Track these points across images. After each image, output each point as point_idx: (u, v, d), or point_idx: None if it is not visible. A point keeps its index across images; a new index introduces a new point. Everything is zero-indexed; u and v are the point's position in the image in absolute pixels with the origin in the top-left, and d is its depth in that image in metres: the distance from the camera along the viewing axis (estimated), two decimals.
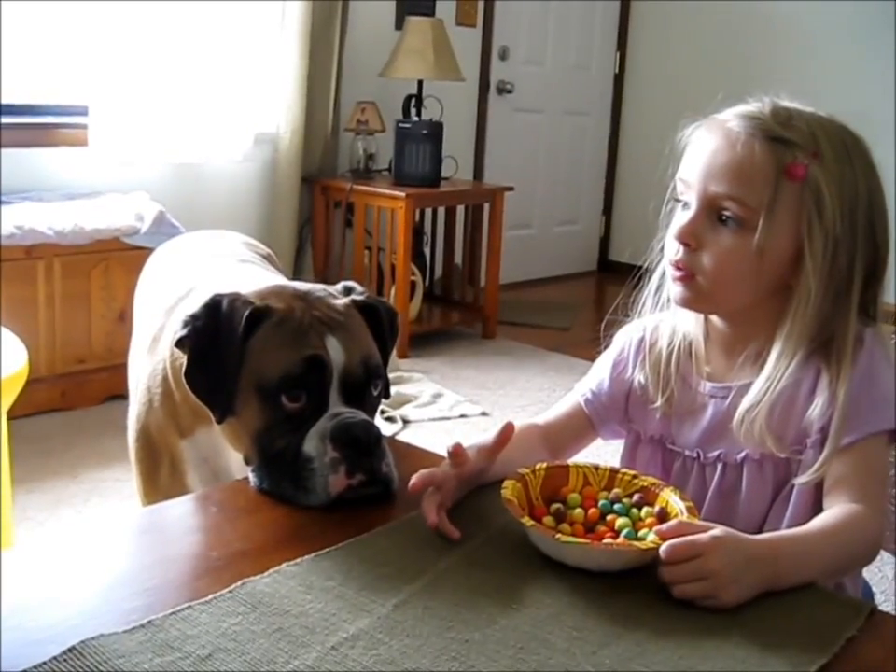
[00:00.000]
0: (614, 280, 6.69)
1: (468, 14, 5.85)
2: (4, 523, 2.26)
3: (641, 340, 1.47)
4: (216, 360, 1.32)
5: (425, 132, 4.85)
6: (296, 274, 4.86)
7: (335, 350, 1.31)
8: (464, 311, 5.42)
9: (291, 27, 4.71)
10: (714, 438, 1.37)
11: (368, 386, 1.35)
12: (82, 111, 4.11)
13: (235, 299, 1.34)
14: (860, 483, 1.24)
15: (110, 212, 3.82)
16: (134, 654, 0.90)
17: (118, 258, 3.76)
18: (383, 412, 3.78)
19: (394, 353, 1.73)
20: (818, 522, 1.21)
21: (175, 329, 1.37)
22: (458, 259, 5.50)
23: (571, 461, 1.31)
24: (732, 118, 1.31)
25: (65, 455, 3.35)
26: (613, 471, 1.27)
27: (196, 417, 1.46)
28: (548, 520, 1.17)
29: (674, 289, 1.35)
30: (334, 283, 1.50)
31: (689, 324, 1.42)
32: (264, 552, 1.12)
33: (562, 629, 0.99)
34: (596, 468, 1.27)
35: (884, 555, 2.57)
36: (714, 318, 1.40)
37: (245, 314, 1.31)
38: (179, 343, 1.34)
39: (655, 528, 1.11)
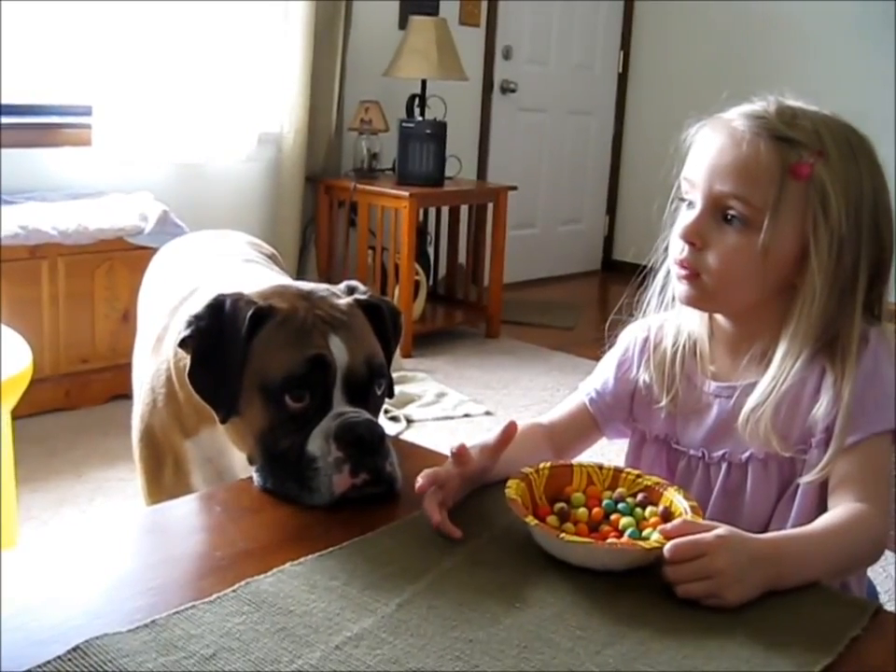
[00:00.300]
0: (618, 279, 6.69)
1: (471, 13, 5.85)
2: (8, 522, 2.27)
3: (646, 339, 1.47)
4: (219, 360, 1.32)
5: (428, 131, 4.85)
6: (300, 274, 4.86)
7: (338, 349, 1.31)
8: (467, 310, 5.42)
9: (295, 27, 4.71)
10: (719, 437, 1.37)
11: (371, 386, 1.35)
12: (86, 111, 4.11)
13: (238, 299, 1.34)
14: (864, 483, 1.24)
15: (114, 212, 3.82)
16: (138, 654, 0.90)
17: (121, 257, 3.76)
18: (386, 411, 3.78)
19: (397, 352, 1.73)
20: (822, 521, 1.21)
21: (179, 329, 1.37)
22: (462, 258, 5.50)
23: (575, 461, 1.31)
24: (737, 117, 1.31)
25: (69, 454, 3.35)
26: (617, 471, 1.27)
27: (200, 417, 1.46)
28: (552, 519, 1.17)
29: (679, 288, 1.35)
30: (338, 282, 1.50)
31: (694, 323, 1.42)
32: (268, 551, 1.12)
33: (566, 628, 0.99)
34: (600, 467, 1.27)
35: (888, 555, 2.56)
36: (719, 317, 1.40)
37: (249, 313, 1.31)
38: (183, 343, 1.34)
39: (659, 528, 1.11)
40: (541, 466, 1.25)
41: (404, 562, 1.10)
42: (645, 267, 1.46)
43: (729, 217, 1.28)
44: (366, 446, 1.25)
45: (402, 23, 5.25)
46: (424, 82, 5.08)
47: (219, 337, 1.32)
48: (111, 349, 3.77)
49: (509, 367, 4.71)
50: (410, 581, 1.06)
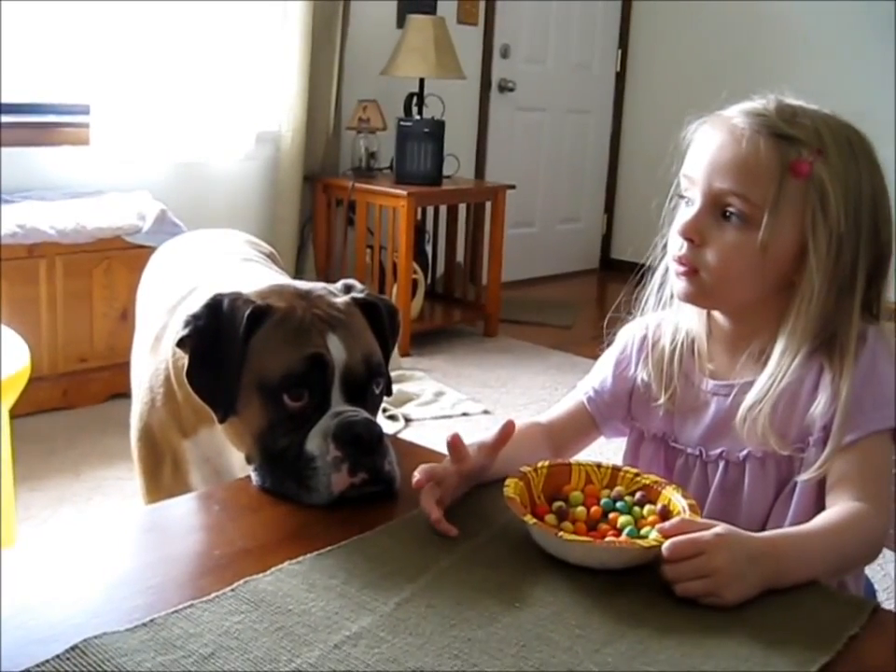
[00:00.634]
0: (616, 278, 6.69)
1: (469, 12, 5.85)
2: (6, 521, 2.27)
3: (644, 337, 1.47)
4: (217, 360, 1.31)
5: (426, 130, 4.85)
6: (298, 273, 4.86)
7: (336, 348, 1.31)
8: (466, 309, 5.42)
9: (293, 25, 4.70)
10: (716, 435, 1.37)
11: (369, 384, 1.35)
12: (84, 110, 4.11)
13: (236, 298, 1.34)
14: (862, 482, 1.24)
15: (112, 211, 3.82)
16: (137, 653, 0.90)
17: (120, 256, 3.76)
18: (385, 410, 3.78)
19: (396, 351, 1.73)
20: (820, 520, 1.21)
21: (177, 329, 1.37)
22: (460, 257, 5.50)
23: (573, 459, 1.31)
24: (737, 114, 1.31)
25: (68, 453, 3.35)
26: (615, 469, 1.27)
27: (198, 417, 1.46)
28: (550, 518, 1.17)
29: (677, 285, 1.35)
30: (336, 281, 1.50)
31: (692, 321, 1.42)
32: (266, 550, 1.12)
33: (564, 627, 0.99)
34: (599, 466, 1.27)
35: (886, 553, 2.56)
36: (717, 315, 1.40)
37: (247, 312, 1.31)
38: (181, 343, 1.34)
39: (658, 526, 1.11)
40: (540, 464, 1.25)
41: (403, 561, 1.10)
42: (643, 265, 1.47)
43: (728, 214, 1.28)
44: (364, 445, 1.25)
45: (400, 22, 5.24)
46: (422, 81, 5.08)
47: (217, 336, 1.32)
48: (109, 348, 3.77)
49: (507, 366, 4.71)
50: (408, 580, 1.06)
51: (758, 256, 1.27)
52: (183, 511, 1.29)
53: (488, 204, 5.27)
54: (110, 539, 1.18)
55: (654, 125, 6.52)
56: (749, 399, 1.30)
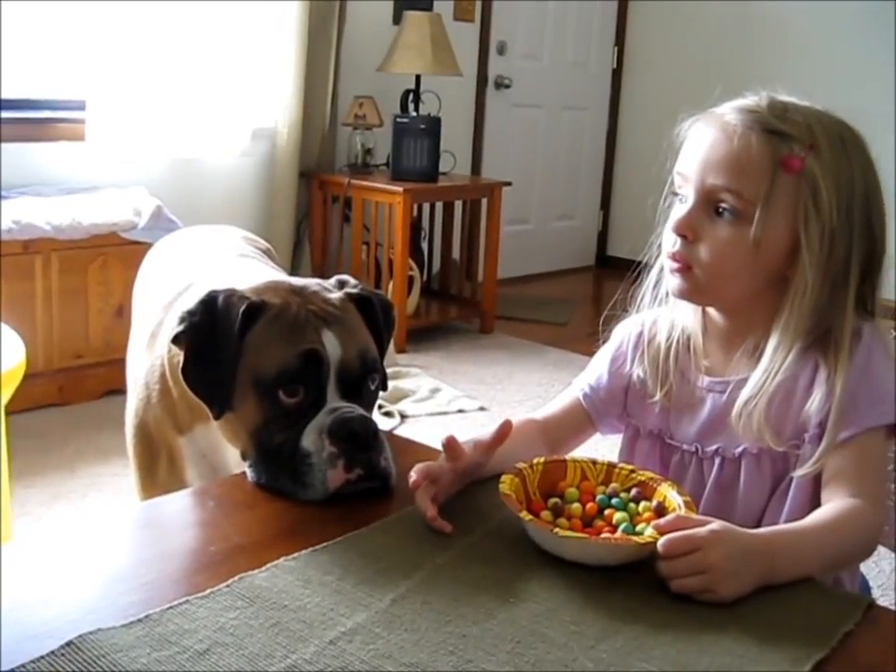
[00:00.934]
0: (612, 275, 6.70)
1: (465, 9, 5.84)
2: (2, 517, 2.26)
3: (640, 334, 1.47)
4: (212, 356, 1.31)
5: (422, 126, 4.84)
6: (294, 269, 4.86)
7: (331, 344, 1.31)
8: (462, 306, 5.42)
9: (289, 22, 4.70)
10: (712, 432, 1.37)
11: (365, 380, 1.35)
12: (80, 106, 4.10)
13: (231, 294, 1.34)
14: (858, 478, 1.25)
15: (108, 207, 3.81)
16: (132, 649, 0.90)
17: (115, 252, 3.76)
18: (380, 406, 3.78)
19: (391, 347, 1.73)
20: (815, 516, 1.21)
21: (173, 325, 1.37)
22: (456, 253, 5.50)
23: (569, 456, 1.31)
24: (729, 111, 1.31)
25: (63, 449, 3.35)
26: (611, 466, 1.27)
27: (193, 414, 1.46)
28: (545, 514, 1.17)
29: (671, 281, 1.35)
30: (331, 278, 1.49)
31: (687, 318, 1.42)
32: (262, 546, 1.12)
33: (560, 623, 0.99)
34: (594, 462, 1.27)
35: (881, 550, 2.57)
36: (712, 312, 1.40)
37: (242, 309, 1.31)
38: (176, 340, 1.34)
39: (653, 523, 1.11)
40: (535, 461, 1.25)
41: (398, 557, 1.10)
42: (640, 263, 1.47)
43: (721, 210, 1.29)
44: (360, 441, 1.25)
45: (397, 19, 5.24)
46: (418, 77, 5.08)
47: (212, 333, 1.32)
48: (105, 344, 3.77)
49: (503, 362, 4.71)
50: (404, 576, 1.06)
51: (751, 251, 1.27)
52: (178, 507, 1.28)
53: (484, 201, 5.27)
54: (105, 535, 1.18)
55: (650, 122, 6.51)
56: (744, 394, 1.30)
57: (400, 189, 4.66)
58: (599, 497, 1.21)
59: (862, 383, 1.27)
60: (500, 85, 6.20)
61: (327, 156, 5.08)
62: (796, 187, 1.26)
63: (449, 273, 5.52)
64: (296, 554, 1.09)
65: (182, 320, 1.34)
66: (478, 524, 1.19)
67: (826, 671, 0.94)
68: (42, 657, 0.88)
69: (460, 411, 3.99)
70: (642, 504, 1.19)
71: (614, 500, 1.20)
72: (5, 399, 2.23)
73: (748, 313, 1.35)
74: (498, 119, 6.24)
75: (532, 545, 1.13)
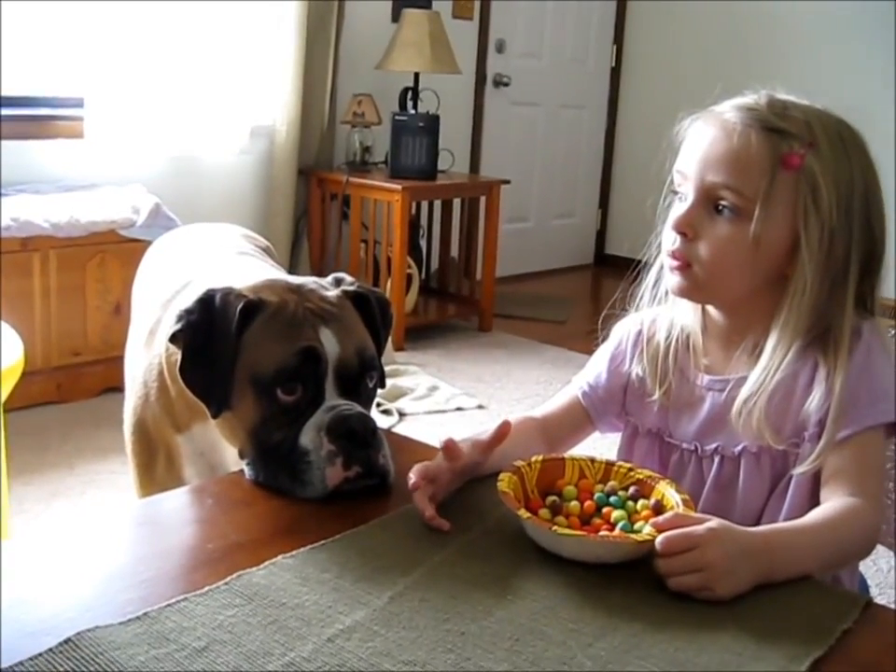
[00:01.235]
0: (610, 273, 6.70)
1: (464, 7, 5.84)
2: (1, 515, 2.26)
3: (639, 332, 1.47)
4: (210, 355, 1.31)
5: (421, 124, 4.84)
6: (292, 267, 4.86)
7: (329, 342, 1.31)
8: (460, 304, 5.42)
9: (288, 19, 4.70)
10: (711, 431, 1.37)
11: (363, 378, 1.35)
12: (78, 103, 4.10)
13: (228, 293, 1.34)
14: (857, 477, 1.25)
15: (106, 204, 3.81)
16: (130, 646, 0.90)
17: (114, 250, 3.76)
18: (379, 404, 3.78)
19: (389, 345, 1.73)
20: (814, 515, 1.21)
21: (171, 324, 1.36)
22: (454, 251, 5.50)
23: (567, 454, 1.31)
24: (728, 109, 1.31)
25: (61, 447, 3.34)
26: (609, 464, 1.27)
27: (192, 412, 1.46)
28: (544, 512, 1.17)
29: (671, 279, 1.35)
30: (329, 275, 1.49)
31: (687, 317, 1.42)
32: (260, 544, 1.12)
33: (558, 621, 0.99)
34: (592, 460, 1.27)
35: (879, 548, 2.56)
36: (712, 311, 1.40)
37: (239, 307, 1.30)
38: (173, 338, 1.34)
39: (651, 521, 1.11)
40: (533, 459, 1.25)
41: (396, 555, 1.10)
42: (639, 262, 1.47)
43: (720, 207, 1.29)
44: (358, 439, 1.25)
45: (395, 16, 5.24)
46: (417, 75, 5.07)
47: (210, 331, 1.31)
48: (103, 342, 3.77)
49: (501, 360, 4.71)
50: (402, 574, 1.06)
51: (750, 249, 1.27)
52: (176, 504, 1.28)
53: (483, 199, 5.27)
54: (104, 532, 1.18)
55: (649, 120, 6.51)
56: (744, 392, 1.30)
57: (399, 186, 4.66)
58: (597, 495, 1.21)
59: (862, 381, 1.27)
60: (499, 83, 6.20)
61: (325, 154, 5.08)
62: (796, 184, 1.26)
63: (447, 271, 5.52)
64: (294, 552, 1.09)
65: (179, 319, 1.33)
66: (476, 522, 1.19)
67: (824, 670, 0.94)
68: (40, 654, 0.88)
69: (458, 409, 3.99)
70: (640, 502, 1.19)
71: (612, 498, 1.20)
72: (3, 397, 2.23)
73: (747, 311, 1.35)
74: (497, 118, 6.24)
75: (530, 543, 1.13)
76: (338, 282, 1.46)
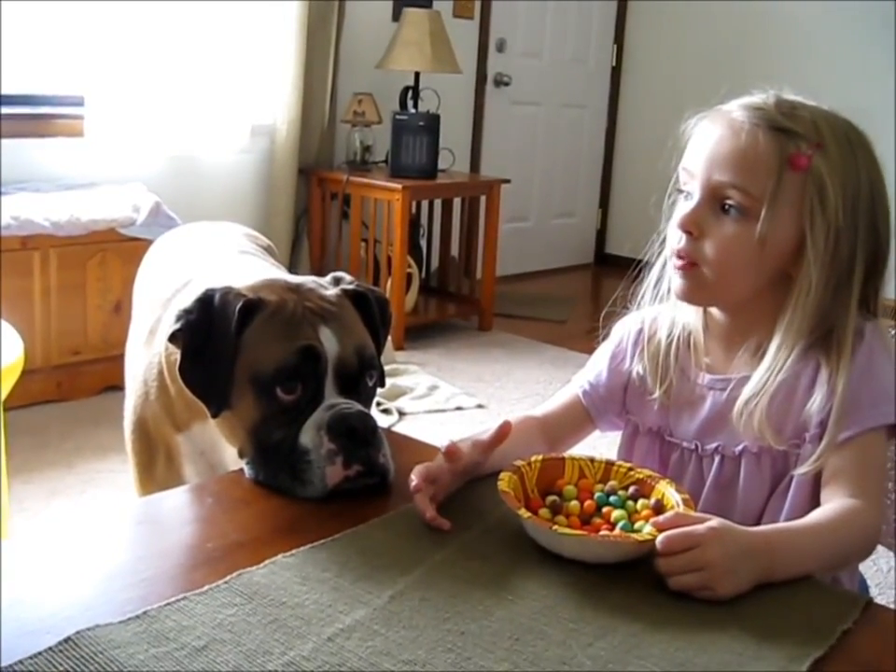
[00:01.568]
0: (611, 273, 6.70)
1: (465, 6, 5.84)
2: (0, 514, 2.26)
3: (640, 331, 1.47)
4: (209, 354, 1.31)
5: (421, 124, 4.84)
6: (292, 266, 4.86)
7: (329, 341, 1.31)
8: (460, 303, 5.42)
9: (289, 18, 4.70)
10: (712, 430, 1.37)
11: (363, 377, 1.35)
12: (79, 101, 4.10)
13: (227, 292, 1.34)
14: (858, 478, 1.24)
15: (106, 203, 3.81)
16: (130, 645, 0.90)
17: (114, 249, 3.76)
18: (379, 404, 3.78)
19: (389, 344, 1.73)
20: (815, 516, 1.21)
21: (169, 324, 1.36)
22: (455, 251, 5.50)
23: (567, 453, 1.31)
24: (736, 108, 1.31)
25: (61, 446, 3.34)
26: (609, 464, 1.27)
27: (191, 412, 1.46)
28: (544, 512, 1.17)
29: (675, 280, 1.34)
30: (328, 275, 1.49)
31: (689, 315, 1.42)
32: (260, 543, 1.12)
33: (558, 621, 0.99)
34: (592, 460, 1.27)
35: (879, 548, 2.56)
36: (714, 310, 1.40)
37: (238, 306, 1.30)
38: (172, 338, 1.34)
39: (652, 520, 1.11)
40: (533, 459, 1.25)
41: (396, 554, 1.10)
42: (641, 261, 1.46)
43: (727, 206, 1.28)
44: (358, 437, 1.25)
45: (396, 16, 5.24)
46: (417, 75, 5.07)
47: (209, 331, 1.31)
48: (103, 340, 3.77)
49: (501, 360, 4.71)
50: (402, 573, 1.06)
51: (756, 249, 1.27)
52: (176, 503, 1.28)
53: (483, 198, 5.27)
54: (103, 531, 1.18)
55: (650, 120, 6.52)
56: (746, 392, 1.30)
57: (399, 186, 4.66)
58: (597, 494, 1.21)
59: (864, 383, 1.27)
60: (500, 82, 6.20)
61: (326, 153, 5.08)
62: (802, 185, 1.26)
63: (448, 271, 5.52)
64: (294, 551, 1.09)
65: (178, 318, 1.33)
66: (476, 521, 1.19)
67: (824, 670, 0.94)
68: (40, 653, 0.88)
69: (458, 408, 3.99)
70: (640, 502, 1.19)
71: (612, 498, 1.20)
72: (3, 395, 2.22)
73: (750, 311, 1.35)
74: (498, 117, 6.24)
75: (530, 542, 1.13)
76: (337, 281, 1.46)
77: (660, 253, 1.41)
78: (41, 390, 3.63)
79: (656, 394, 1.41)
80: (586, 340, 1.81)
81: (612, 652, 0.94)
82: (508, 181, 5.26)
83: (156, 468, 1.59)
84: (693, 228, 1.30)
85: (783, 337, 1.29)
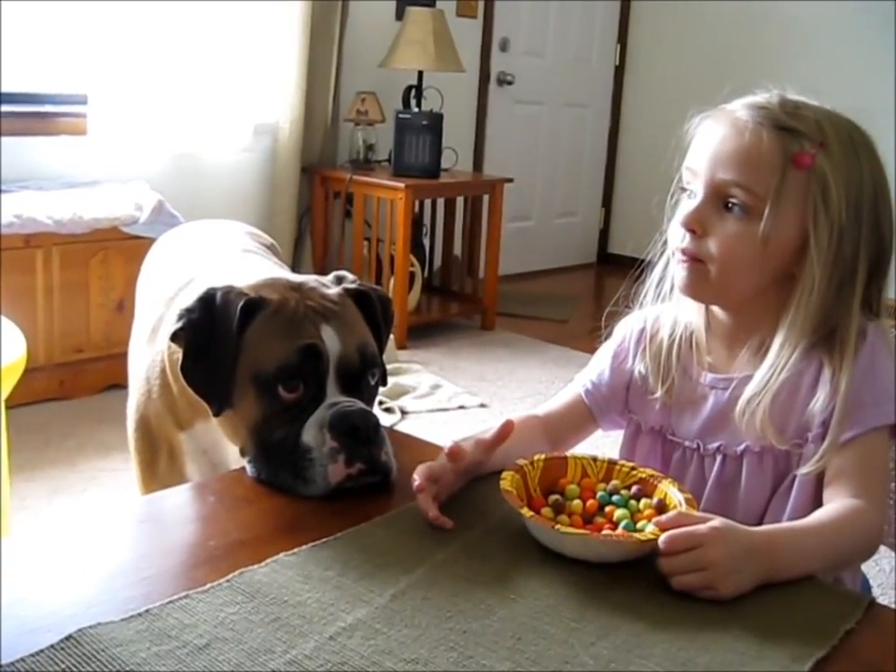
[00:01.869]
0: (613, 272, 6.69)
1: (468, 5, 5.84)
2: (2, 512, 2.26)
3: (642, 330, 1.47)
4: (211, 353, 1.31)
5: (425, 123, 4.84)
6: (295, 265, 4.86)
7: (331, 339, 1.31)
8: (463, 302, 5.41)
9: (291, 17, 4.70)
10: (714, 429, 1.37)
11: (364, 375, 1.35)
12: (82, 100, 4.10)
13: (229, 291, 1.34)
14: (860, 478, 1.24)
15: (109, 201, 3.81)
16: (132, 643, 0.90)
17: (116, 247, 3.76)
18: (381, 402, 3.78)
19: (392, 343, 1.73)
20: (817, 516, 1.21)
21: (171, 322, 1.36)
22: (457, 250, 5.50)
23: (569, 453, 1.31)
24: (740, 107, 1.31)
25: (64, 444, 3.35)
26: (611, 463, 1.27)
27: (194, 411, 1.46)
28: (546, 511, 1.17)
29: (678, 274, 1.34)
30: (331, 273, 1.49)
31: (691, 314, 1.42)
32: (262, 541, 1.12)
33: (560, 620, 0.99)
34: (594, 459, 1.27)
35: (881, 548, 2.56)
36: (716, 309, 1.40)
37: (240, 305, 1.30)
38: (174, 337, 1.34)
39: (654, 519, 1.11)
40: (536, 458, 1.25)
41: (399, 553, 1.10)
42: (643, 261, 1.46)
43: (730, 205, 1.28)
44: (361, 435, 1.25)
45: (399, 14, 5.24)
46: (420, 73, 5.07)
47: (211, 330, 1.31)
48: (106, 339, 3.77)
49: (504, 359, 4.71)
50: (404, 572, 1.06)
51: (759, 247, 1.27)
52: (178, 501, 1.28)
53: (486, 198, 5.26)
54: (105, 529, 1.18)
55: (653, 119, 6.52)
56: (748, 391, 1.30)
57: (402, 185, 4.66)
58: (600, 493, 1.21)
59: (867, 383, 1.27)
60: (503, 81, 6.20)
61: (328, 152, 5.08)
62: (806, 183, 1.26)
63: (450, 270, 5.52)
64: (296, 550, 1.09)
65: (180, 317, 1.33)
66: (479, 520, 1.19)
67: (826, 670, 0.94)
68: (41, 651, 0.88)
69: (461, 407, 3.99)
70: (643, 501, 1.19)
71: (615, 497, 1.20)
72: (5, 393, 2.23)
73: (753, 310, 1.35)
74: (501, 116, 6.24)
75: (533, 542, 1.13)
76: (339, 280, 1.46)
77: (662, 252, 1.41)
78: (44, 388, 3.63)
79: (658, 393, 1.41)
80: (589, 339, 1.81)
81: (614, 652, 0.94)
82: (511, 180, 5.26)
83: (158, 466, 1.59)
84: (696, 226, 1.30)
85: (786, 336, 1.29)
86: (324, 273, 1.52)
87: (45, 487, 3.01)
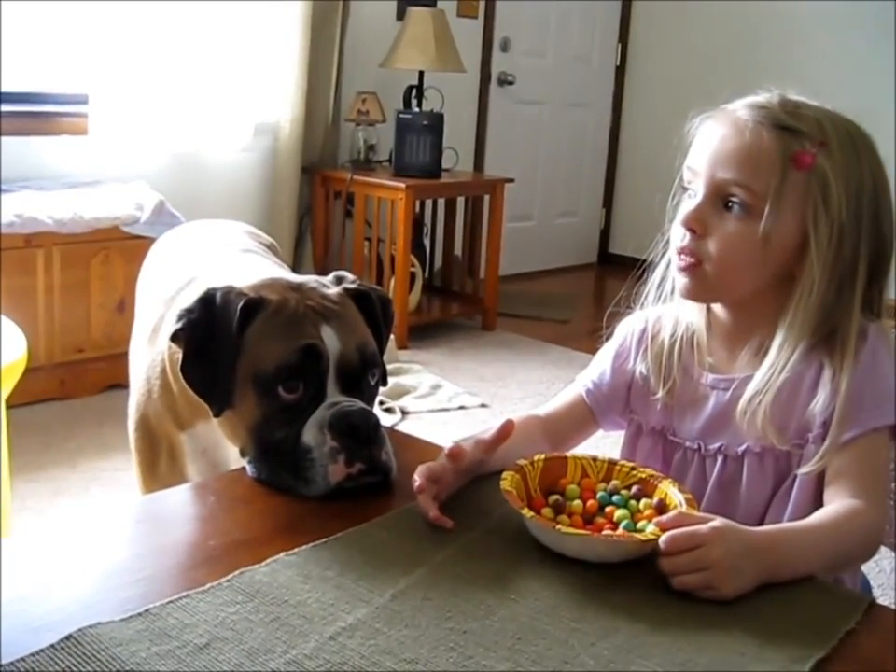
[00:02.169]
0: (614, 273, 6.70)
1: (469, 5, 5.84)
2: (2, 512, 2.26)
3: (643, 330, 1.47)
4: (211, 353, 1.31)
5: (425, 123, 4.84)
6: (295, 265, 4.86)
7: (330, 339, 1.31)
8: (463, 302, 5.41)
9: (292, 17, 4.69)
10: (715, 429, 1.37)
11: (364, 375, 1.35)
12: (82, 100, 4.10)
13: (229, 291, 1.34)
14: (860, 479, 1.24)
15: (110, 201, 3.81)
16: (132, 642, 0.90)
17: (117, 247, 3.76)
18: (381, 402, 3.78)
19: (392, 344, 1.73)
20: (817, 516, 1.21)
21: (171, 323, 1.36)
22: (458, 250, 5.50)
23: (570, 453, 1.31)
24: (740, 107, 1.31)
25: (64, 444, 3.34)
26: (611, 463, 1.27)
27: (194, 411, 1.46)
28: (546, 511, 1.17)
29: (679, 279, 1.35)
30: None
31: (692, 315, 1.42)
32: (262, 541, 1.12)
33: (560, 620, 0.99)
34: (595, 459, 1.27)
35: (881, 549, 2.56)
36: (717, 309, 1.40)
37: (240, 305, 1.30)
38: (174, 337, 1.34)
39: (655, 519, 1.11)
40: (536, 458, 1.25)
41: (399, 553, 1.10)
42: (644, 261, 1.46)
43: (730, 204, 1.28)
44: (361, 435, 1.25)
45: (400, 14, 5.24)
46: (421, 74, 5.07)
47: (211, 330, 1.31)
48: (106, 339, 3.77)
49: (504, 359, 4.71)
50: (404, 573, 1.06)
51: (759, 246, 1.27)
52: (178, 501, 1.28)
53: (487, 198, 5.26)
54: (106, 529, 1.18)
55: (654, 119, 6.52)
56: (749, 391, 1.30)
57: (403, 185, 4.66)
58: (600, 494, 1.21)
59: (867, 383, 1.27)
60: (504, 81, 6.20)
61: (329, 151, 5.08)
62: (806, 183, 1.26)
63: (451, 270, 5.51)
64: (296, 550, 1.09)
65: (180, 318, 1.33)
66: (479, 520, 1.19)
67: (827, 670, 0.94)
68: (41, 651, 0.88)
69: (461, 407, 3.99)
70: (643, 501, 1.19)
71: (615, 497, 1.20)
72: (6, 393, 2.23)
73: (753, 310, 1.35)
74: (501, 116, 6.24)
75: (533, 542, 1.13)
76: (339, 280, 1.46)
77: (664, 253, 1.41)
78: (44, 388, 3.63)
79: (659, 393, 1.41)
80: (590, 340, 1.81)
81: (615, 652, 0.94)
82: (511, 180, 5.26)
83: (159, 466, 1.59)
84: (696, 225, 1.30)
85: (786, 336, 1.29)
86: (324, 273, 1.52)
87: (46, 488, 3.01)
